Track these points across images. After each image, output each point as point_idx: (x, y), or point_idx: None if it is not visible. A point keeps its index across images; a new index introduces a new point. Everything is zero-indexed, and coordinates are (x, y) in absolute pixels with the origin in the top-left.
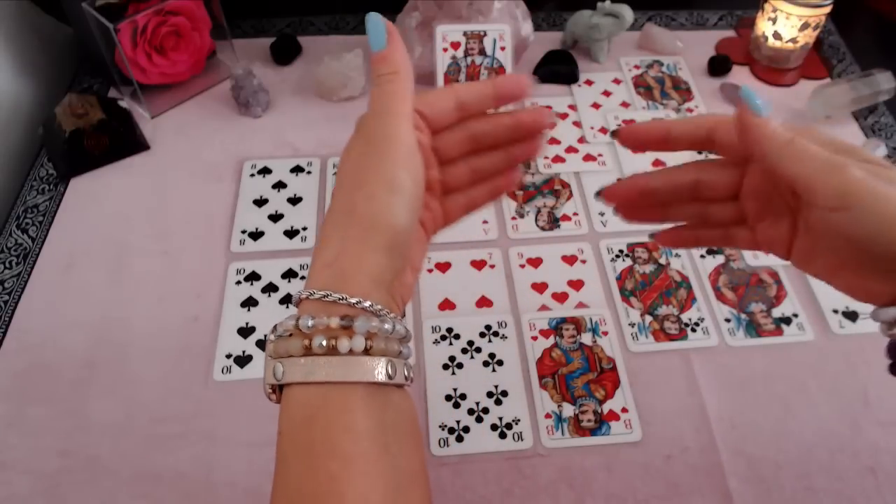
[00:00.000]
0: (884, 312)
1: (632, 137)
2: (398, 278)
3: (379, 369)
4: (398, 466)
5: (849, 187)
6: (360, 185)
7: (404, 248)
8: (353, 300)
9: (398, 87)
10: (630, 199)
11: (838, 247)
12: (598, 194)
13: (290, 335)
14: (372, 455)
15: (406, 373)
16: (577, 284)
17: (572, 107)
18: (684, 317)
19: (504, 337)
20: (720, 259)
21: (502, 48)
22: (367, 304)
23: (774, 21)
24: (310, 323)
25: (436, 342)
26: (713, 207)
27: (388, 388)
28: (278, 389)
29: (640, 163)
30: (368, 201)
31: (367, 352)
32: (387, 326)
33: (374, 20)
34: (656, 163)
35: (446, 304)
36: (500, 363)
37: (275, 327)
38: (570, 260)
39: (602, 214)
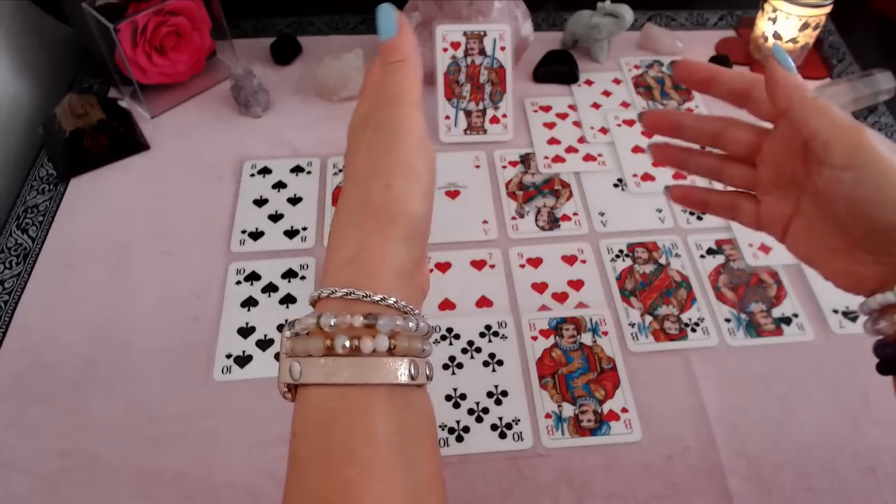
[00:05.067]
0: (872, 301)
1: (686, 72)
2: (418, 268)
3: (402, 370)
4: (417, 471)
5: (862, 145)
6: (374, 175)
7: (423, 236)
8: (378, 297)
9: (408, 75)
10: (662, 126)
11: (836, 221)
12: (640, 116)
13: (309, 334)
14: (390, 460)
15: (427, 372)
16: (577, 284)
17: (572, 107)
18: (684, 317)
19: (504, 337)
20: (720, 259)
21: (502, 48)
22: (392, 300)
23: (774, 21)
24: (332, 322)
25: (436, 342)
26: (729, 166)
27: (408, 389)
28: (293, 388)
29: (640, 163)
30: (385, 191)
31: (390, 352)
32: (411, 325)
33: (386, 9)
34: (656, 164)
35: (446, 304)
36: (500, 363)
37: (291, 324)
38: (570, 260)
39: (602, 214)
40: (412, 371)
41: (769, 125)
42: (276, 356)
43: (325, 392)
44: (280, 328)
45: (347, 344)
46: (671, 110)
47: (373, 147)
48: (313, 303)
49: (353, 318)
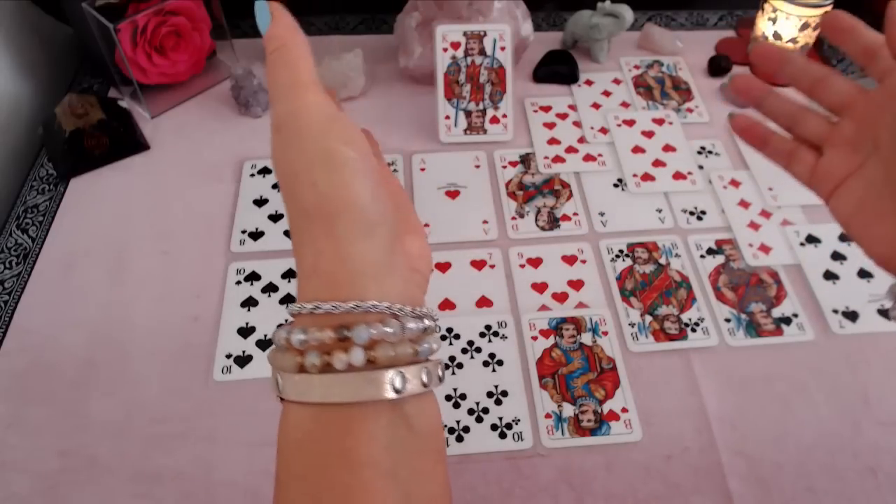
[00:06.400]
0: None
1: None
2: (397, 254)
3: (385, 383)
4: (409, 494)
5: None
6: (296, 178)
7: (382, 221)
8: (348, 305)
9: (290, 58)
10: (772, 60)
11: None
12: (751, 45)
13: (284, 348)
14: (374, 486)
15: (424, 378)
16: (577, 284)
17: (572, 107)
18: (684, 317)
19: (504, 337)
20: (720, 259)
21: (502, 48)
22: (368, 304)
23: (774, 21)
24: (301, 337)
25: None
26: (808, 115)
27: (399, 402)
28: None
29: (640, 163)
30: (312, 190)
31: (370, 364)
32: (393, 329)
33: (259, 5)
34: (656, 163)
35: (446, 304)
36: (500, 363)
37: (278, 330)
38: (570, 260)
39: (602, 215)
40: (397, 383)
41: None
42: None
43: (301, 410)
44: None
45: (317, 361)
46: (783, 48)
47: (284, 149)
48: (292, 322)
49: (323, 333)
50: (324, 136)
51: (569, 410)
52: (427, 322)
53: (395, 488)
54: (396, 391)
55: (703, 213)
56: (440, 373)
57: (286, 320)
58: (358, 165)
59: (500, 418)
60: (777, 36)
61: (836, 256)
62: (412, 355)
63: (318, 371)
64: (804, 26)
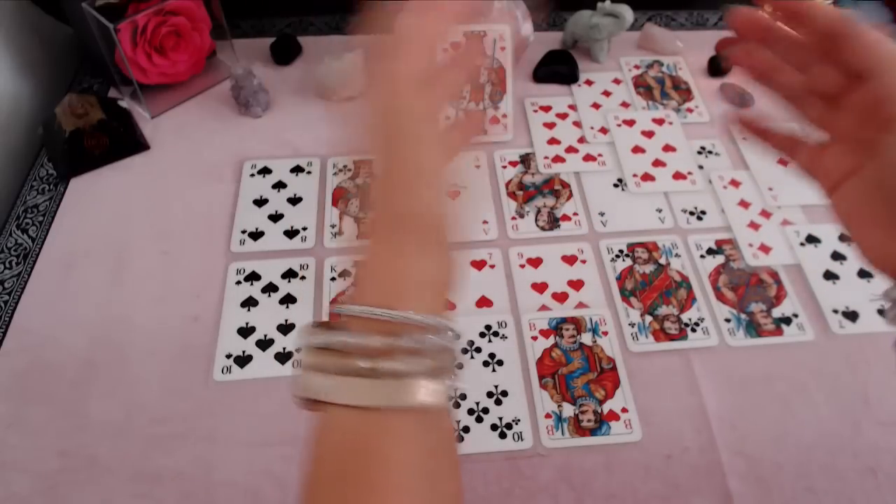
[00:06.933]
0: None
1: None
2: (449, 273)
3: (424, 391)
4: (439, 494)
5: None
6: (417, 174)
7: (451, 244)
8: (400, 315)
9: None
10: (754, 29)
11: (891, 195)
12: (727, 14)
13: (328, 350)
14: (412, 486)
15: (452, 392)
16: (577, 284)
17: (572, 107)
18: (684, 317)
19: (504, 337)
20: (720, 259)
21: (502, 48)
22: (415, 316)
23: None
24: (349, 341)
25: None
26: (813, 96)
27: (429, 407)
28: (312, 402)
29: (640, 163)
30: (419, 199)
31: (411, 373)
32: (434, 341)
33: None
34: (656, 163)
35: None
36: (500, 363)
37: (311, 331)
38: (570, 260)
39: (602, 215)
40: (434, 391)
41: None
42: (279, 357)
43: (341, 414)
44: (282, 329)
45: (365, 365)
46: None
47: (416, 147)
48: (334, 317)
49: (370, 339)
50: (421, 148)
51: (569, 410)
52: (459, 338)
53: (429, 487)
54: (435, 398)
55: (703, 213)
56: (460, 385)
57: (286, 320)
58: (433, 180)
59: (500, 418)
60: None
61: (836, 256)
62: (444, 369)
63: (362, 375)
64: None
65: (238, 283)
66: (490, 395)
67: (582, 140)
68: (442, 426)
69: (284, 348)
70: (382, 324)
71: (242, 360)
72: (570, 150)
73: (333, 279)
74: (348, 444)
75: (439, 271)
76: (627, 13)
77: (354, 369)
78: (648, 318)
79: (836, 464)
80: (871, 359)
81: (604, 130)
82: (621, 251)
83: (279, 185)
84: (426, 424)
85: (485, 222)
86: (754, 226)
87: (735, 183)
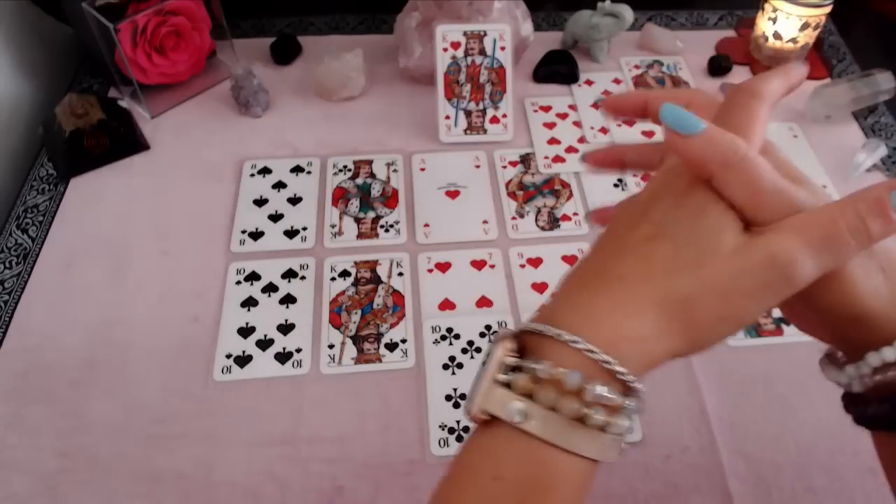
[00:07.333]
0: (871, 358)
1: (613, 107)
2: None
3: (613, 447)
4: None
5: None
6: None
7: (691, 316)
8: (628, 376)
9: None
10: (608, 165)
11: None
12: (582, 159)
13: (539, 380)
14: None
15: (622, 447)
16: None
17: (572, 107)
18: None
19: None
20: None
21: (502, 48)
22: (620, 368)
23: (774, 21)
24: (576, 381)
25: (436, 342)
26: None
27: (597, 466)
28: (491, 418)
29: None
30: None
31: (623, 433)
32: (633, 404)
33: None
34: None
35: (446, 304)
36: None
37: (510, 345)
38: (570, 260)
39: None
40: (619, 450)
41: None
42: (279, 357)
43: (531, 445)
44: (282, 329)
45: (580, 409)
46: (616, 147)
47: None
48: (518, 334)
49: (592, 385)
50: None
51: None
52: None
53: None
54: (617, 455)
55: None
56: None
57: (286, 320)
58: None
59: None
60: (777, 36)
61: None
62: (626, 429)
63: (572, 417)
64: (804, 26)
65: (238, 283)
66: None
67: (582, 140)
68: (591, 484)
69: (284, 348)
70: (588, 361)
71: (242, 360)
72: (571, 150)
73: (333, 279)
74: (533, 477)
75: (647, 332)
76: (627, 13)
77: (562, 409)
78: None
79: (836, 464)
80: None
81: (604, 130)
82: None
83: (279, 185)
84: (591, 480)
85: (485, 222)
86: None
87: None
